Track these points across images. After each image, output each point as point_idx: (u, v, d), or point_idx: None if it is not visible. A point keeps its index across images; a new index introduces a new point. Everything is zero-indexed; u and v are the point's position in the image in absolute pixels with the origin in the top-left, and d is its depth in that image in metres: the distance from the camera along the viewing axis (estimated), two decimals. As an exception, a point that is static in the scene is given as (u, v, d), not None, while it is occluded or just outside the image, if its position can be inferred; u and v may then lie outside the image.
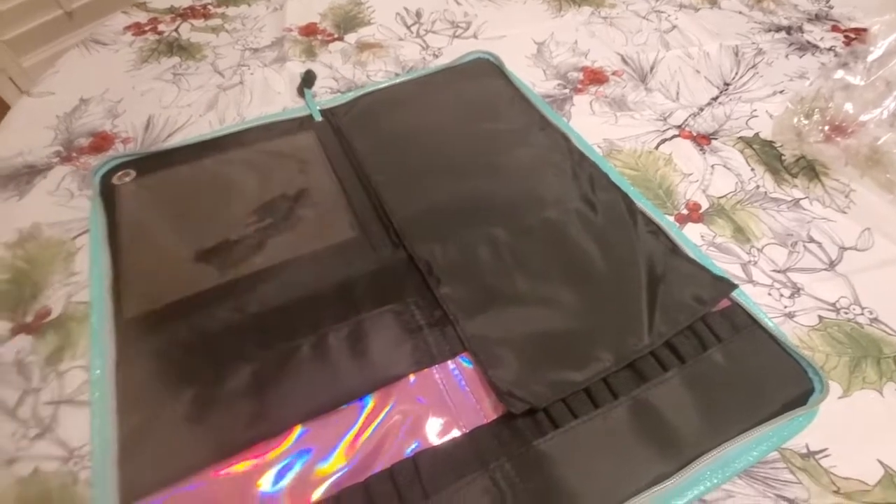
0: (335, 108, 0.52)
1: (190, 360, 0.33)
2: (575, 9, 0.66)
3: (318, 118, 0.51)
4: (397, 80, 0.55)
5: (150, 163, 0.47)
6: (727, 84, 0.55)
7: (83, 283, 0.40)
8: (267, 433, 0.30)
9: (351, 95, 0.53)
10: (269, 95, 0.55)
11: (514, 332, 0.33)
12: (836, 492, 0.30)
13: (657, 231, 0.39)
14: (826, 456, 0.31)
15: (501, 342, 0.33)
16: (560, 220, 0.40)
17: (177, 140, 0.50)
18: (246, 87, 0.56)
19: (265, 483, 0.29)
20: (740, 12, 0.64)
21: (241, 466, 0.30)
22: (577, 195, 0.42)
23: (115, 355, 0.35)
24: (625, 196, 0.42)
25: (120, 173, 0.46)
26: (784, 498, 0.30)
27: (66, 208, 0.45)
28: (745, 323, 0.34)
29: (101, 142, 0.51)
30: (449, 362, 0.33)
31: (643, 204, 0.42)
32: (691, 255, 0.38)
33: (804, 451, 0.31)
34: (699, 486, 0.29)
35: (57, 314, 0.38)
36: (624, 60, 0.58)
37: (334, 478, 0.28)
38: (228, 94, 0.55)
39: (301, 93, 0.54)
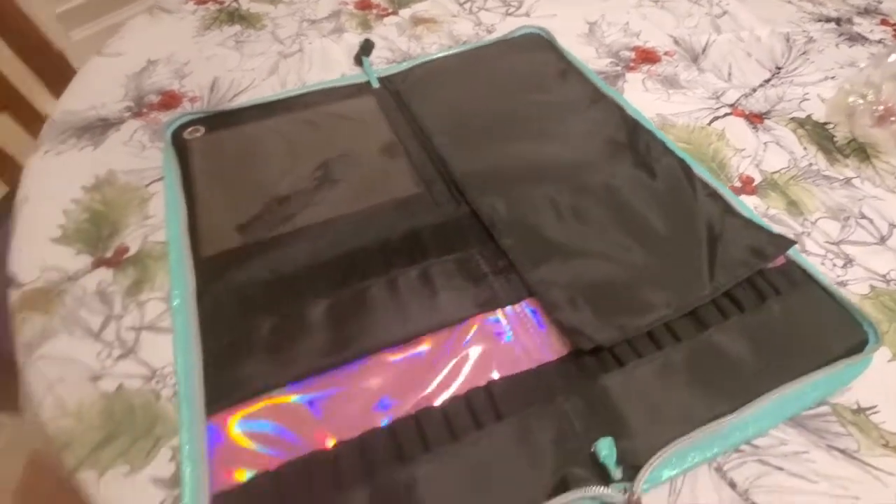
0: (392, 75, 0.54)
1: (268, 294, 0.35)
2: (625, -8, 0.67)
3: (376, 85, 0.53)
4: (451, 52, 0.57)
5: (219, 120, 0.49)
6: (779, 68, 0.56)
7: (158, 225, 0.42)
8: (341, 362, 0.32)
9: (406, 65, 0.55)
10: (328, 63, 0.57)
11: (578, 279, 0.35)
12: (886, 445, 0.31)
13: (714, 194, 0.40)
14: (876, 412, 0.32)
15: (566, 287, 0.34)
16: (616, 183, 0.41)
17: (242, 101, 0.52)
18: (305, 55, 0.58)
19: (340, 405, 0.31)
20: (790, 1, 0.65)
21: (314, 391, 0.31)
22: (632, 161, 0.43)
23: (195, 288, 0.37)
24: (682, 161, 0.43)
25: (190, 129, 0.49)
26: (835, 447, 0.31)
27: (138, 158, 0.48)
28: (801, 279, 0.36)
29: (169, 100, 0.53)
30: (515, 306, 0.35)
31: (700, 171, 0.43)
32: (741, 210, 0.39)
33: (855, 406, 0.32)
34: (753, 427, 0.30)
35: (135, 251, 0.41)
36: (676, 42, 0.59)
37: (409, 403, 0.30)
38: (289, 60, 0.57)
39: (359, 61, 0.56)
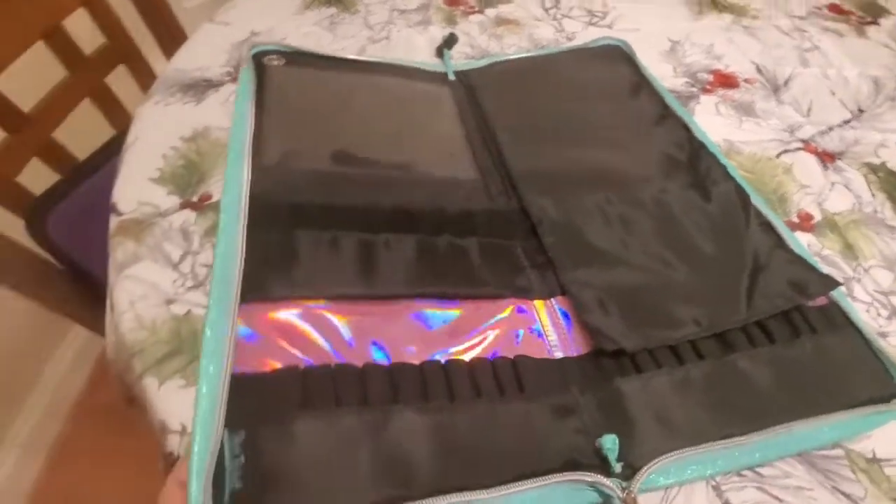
0: (468, 70, 0.56)
1: (320, 217, 0.37)
2: (716, 14, 0.66)
3: (452, 77, 0.55)
4: (530, 54, 0.59)
5: (300, 58, 0.53)
6: (861, 110, 0.54)
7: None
8: (377, 296, 0.34)
9: (484, 62, 0.57)
10: (411, 52, 0.60)
11: (613, 285, 0.36)
12: (895, 499, 0.30)
13: (767, 225, 0.40)
14: (892, 465, 0.32)
15: (599, 290, 0.36)
16: (668, 199, 0.42)
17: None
18: (392, 42, 0.62)
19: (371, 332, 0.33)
20: (887, 46, 0.62)
21: (348, 314, 0.34)
22: (690, 181, 0.43)
23: (248, 190, 0.39)
24: (740, 189, 0.43)
25: (272, 56, 0.52)
26: (840, 491, 0.31)
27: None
28: (841, 323, 0.35)
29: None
30: (547, 301, 0.37)
31: (757, 201, 0.42)
32: (793, 245, 0.39)
33: (870, 455, 0.32)
34: (760, 453, 0.30)
35: (216, 199, 0.46)
36: (758, 70, 0.58)
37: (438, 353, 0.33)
38: (376, 45, 0.61)
39: (440, 53, 0.59)
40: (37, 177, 0.60)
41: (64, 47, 0.62)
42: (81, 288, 0.58)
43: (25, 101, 0.60)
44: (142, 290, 0.40)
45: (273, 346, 0.31)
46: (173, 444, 0.33)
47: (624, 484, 0.28)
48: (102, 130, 0.65)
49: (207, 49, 0.61)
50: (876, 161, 0.49)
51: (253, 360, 0.31)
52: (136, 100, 0.57)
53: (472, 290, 0.36)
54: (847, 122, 0.53)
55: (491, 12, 0.67)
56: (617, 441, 0.29)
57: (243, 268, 0.34)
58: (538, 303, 0.37)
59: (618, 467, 0.28)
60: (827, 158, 0.49)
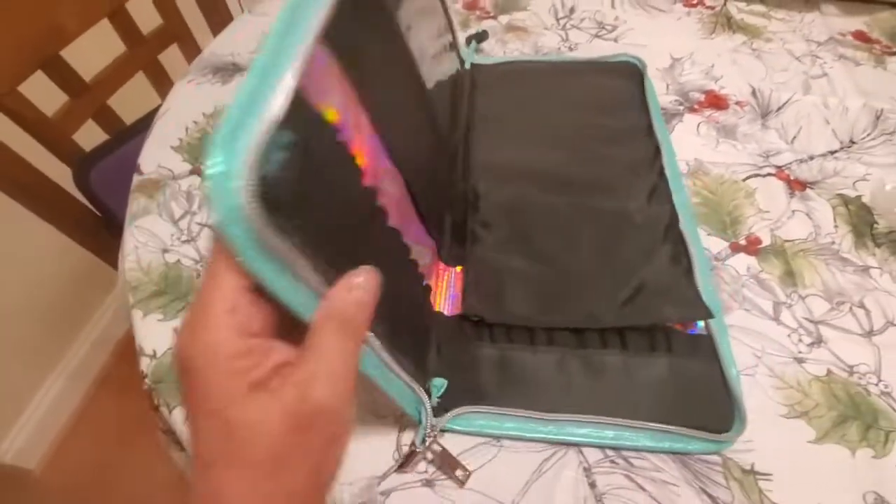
0: (481, 65, 0.60)
1: None
2: (728, 34, 0.66)
3: (468, 67, 0.60)
4: (547, 58, 0.63)
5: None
6: (853, 142, 0.53)
7: (243, 153, 0.54)
8: None
9: (499, 59, 0.62)
10: (420, 51, 0.65)
11: (510, 271, 0.41)
12: (762, 511, 0.32)
13: (681, 250, 0.42)
14: (768, 480, 0.33)
15: (492, 272, 0.41)
16: (608, 211, 0.45)
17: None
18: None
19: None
20: (908, 77, 0.60)
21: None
22: (640, 203, 0.46)
23: None
24: (673, 212, 0.44)
25: None
26: (707, 493, 0.33)
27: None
28: (706, 354, 0.37)
29: (287, 57, 0.65)
30: (449, 268, 0.43)
31: (688, 225, 0.44)
32: (697, 275, 0.40)
33: (748, 467, 0.34)
34: (571, 433, 0.35)
35: (220, 169, 0.53)
36: (753, 93, 0.58)
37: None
38: (389, 43, 0.66)
39: (468, 42, 0.63)
40: (89, 135, 0.70)
41: (125, 26, 0.71)
42: (115, 234, 0.68)
43: (88, 70, 0.69)
44: (144, 238, 0.48)
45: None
46: (145, 364, 0.40)
47: (434, 419, 0.34)
48: (151, 100, 0.73)
49: (242, 37, 0.69)
50: (851, 194, 0.49)
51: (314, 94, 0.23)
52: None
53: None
54: (833, 152, 0.52)
55: (504, 18, 0.70)
56: (445, 385, 0.35)
57: None
58: (444, 267, 0.43)
59: (435, 401, 0.34)
60: (796, 186, 0.49)
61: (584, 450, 0.35)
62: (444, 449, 0.34)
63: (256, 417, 0.18)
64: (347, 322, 0.21)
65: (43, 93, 0.65)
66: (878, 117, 0.56)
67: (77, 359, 1.13)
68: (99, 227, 0.70)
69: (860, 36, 0.66)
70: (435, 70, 0.47)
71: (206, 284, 0.19)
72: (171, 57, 0.79)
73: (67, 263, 1.04)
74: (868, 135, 0.54)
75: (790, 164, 0.51)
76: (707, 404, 0.35)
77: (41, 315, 1.03)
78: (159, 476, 0.99)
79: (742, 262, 0.44)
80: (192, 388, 0.19)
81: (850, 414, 0.36)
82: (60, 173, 0.67)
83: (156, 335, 0.41)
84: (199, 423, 0.19)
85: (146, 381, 0.39)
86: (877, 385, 0.37)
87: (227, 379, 0.19)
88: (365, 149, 0.28)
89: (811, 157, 0.52)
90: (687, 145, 0.52)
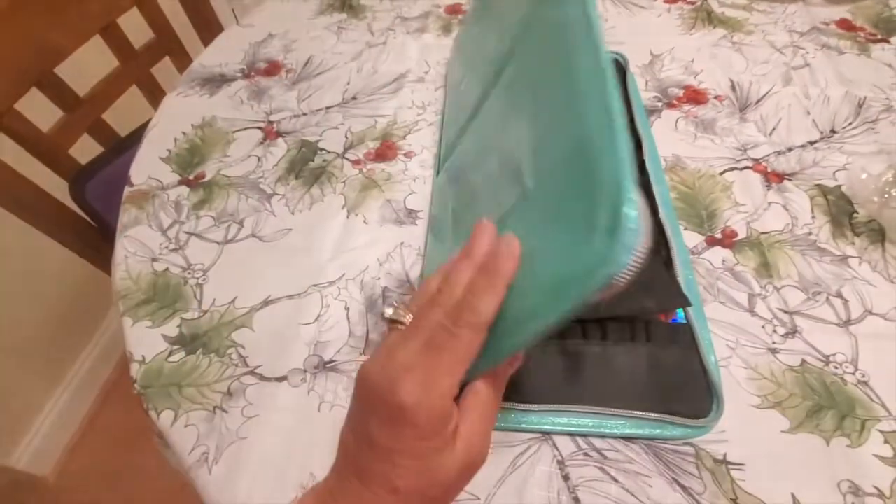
0: None
1: None
2: (708, 28, 0.66)
3: None
4: None
5: None
6: (833, 132, 0.53)
7: (231, 163, 0.55)
8: None
9: None
10: (401, 59, 0.66)
11: None
12: (734, 500, 0.33)
13: (661, 245, 0.42)
14: (740, 469, 0.34)
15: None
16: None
17: (323, 79, 0.63)
18: (387, 48, 0.67)
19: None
20: (890, 65, 0.60)
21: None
22: None
23: None
24: (652, 207, 0.44)
25: None
26: (678, 483, 0.33)
27: (235, 110, 0.61)
28: (685, 342, 0.37)
29: (272, 68, 0.66)
30: None
31: (669, 220, 0.43)
32: (677, 265, 0.40)
33: (720, 457, 0.34)
34: (541, 421, 0.36)
35: (208, 178, 0.54)
36: (732, 87, 0.58)
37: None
38: (372, 50, 0.67)
39: None
40: (84, 148, 0.72)
41: (117, 41, 0.73)
42: (110, 245, 0.70)
43: (82, 85, 0.71)
44: (134, 248, 0.49)
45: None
46: (134, 370, 0.41)
47: None
48: (146, 112, 0.75)
49: (229, 48, 0.70)
50: (830, 184, 0.49)
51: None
52: (168, 90, 0.67)
53: None
54: (812, 142, 0.52)
55: (487, 21, 0.71)
56: None
57: None
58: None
59: None
60: (773, 178, 0.49)
61: (558, 443, 0.35)
62: None
63: (448, 465, 0.24)
64: (499, 388, 0.27)
65: (38, 109, 0.67)
66: (860, 105, 0.56)
67: (84, 369, 1.15)
68: (98, 240, 0.72)
69: (844, 24, 0.66)
70: None
71: (456, 349, 0.24)
72: (164, 70, 0.80)
73: (72, 277, 1.06)
74: (850, 123, 0.54)
75: (768, 156, 0.51)
76: (686, 391, 0.35)
77: (51, 329, 1.06)
78: (166, 480, 1.01)
79: (717, 255, 0.44)
80: (401, 433, 0.23)
81: (825, 404, 0.36)
82: (58, 187, 0.69)
83: (145, 342, 0.42)
84: (396, 460, 0.23)
85: (136, 386, 0.41)
86: (853, 374, 0.37)
87: (440, 438, 0.24)
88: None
89: (790, 149, 0.52)
90: (665, 141, 0.52)
